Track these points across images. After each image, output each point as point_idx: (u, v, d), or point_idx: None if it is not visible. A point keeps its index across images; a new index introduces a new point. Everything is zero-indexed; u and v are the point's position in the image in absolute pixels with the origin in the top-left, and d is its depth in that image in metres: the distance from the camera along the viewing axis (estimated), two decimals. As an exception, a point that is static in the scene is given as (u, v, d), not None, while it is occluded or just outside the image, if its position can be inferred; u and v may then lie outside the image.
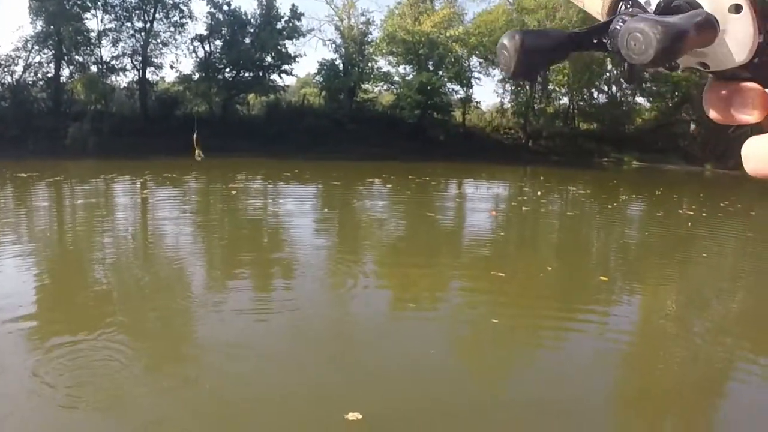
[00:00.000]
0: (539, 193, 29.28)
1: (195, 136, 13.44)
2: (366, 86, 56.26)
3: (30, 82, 44.63)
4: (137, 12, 47.07)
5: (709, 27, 0.75)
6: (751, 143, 0.80)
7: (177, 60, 74.73)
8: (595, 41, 0.84)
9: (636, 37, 0.71)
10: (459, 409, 6.98)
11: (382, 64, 56.28)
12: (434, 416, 6.83)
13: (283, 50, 50.25)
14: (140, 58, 47.15)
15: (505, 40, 0.81)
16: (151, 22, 47.20)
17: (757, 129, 0.82)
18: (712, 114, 0.84)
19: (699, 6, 0.77)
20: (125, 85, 48.72)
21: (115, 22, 46.41)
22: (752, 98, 0.78)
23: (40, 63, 44.51)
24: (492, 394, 7.53)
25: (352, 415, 6.40)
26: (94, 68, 45.90)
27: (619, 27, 0.78)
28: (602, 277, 13.50)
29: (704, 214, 23.85)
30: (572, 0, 0.97)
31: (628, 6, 0.86)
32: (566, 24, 50.93)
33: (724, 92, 0.81)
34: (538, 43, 0.82)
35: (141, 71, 47.60)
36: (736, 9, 0.75)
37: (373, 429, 6.41)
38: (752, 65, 0.78)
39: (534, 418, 6.96)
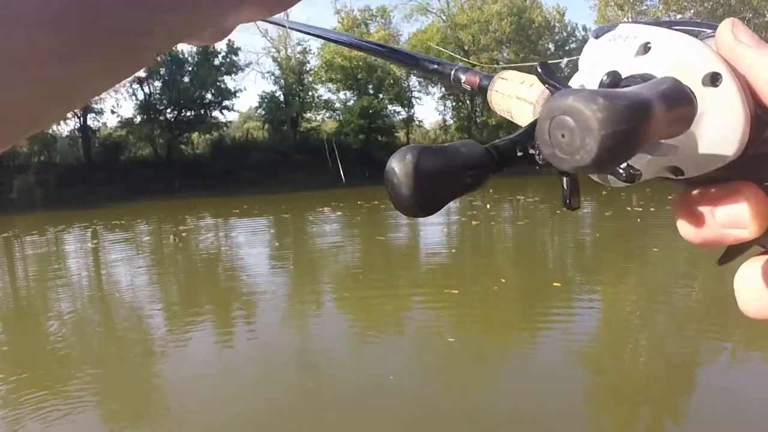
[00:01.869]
0: (488, 205, 29.51)
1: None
2: (308, 115, 56.35)
3: (-30, 138, 43.93)
4: (74, 59, 46.45)
5: (684, 99, 0.48)
6: (746, 273, 0.58)
7: (117, 104, 74.37)
8: (519, 153, 0.65)
9: (563, 122, 0.43)
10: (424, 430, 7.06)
11: (323, 91, 56.50)
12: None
13: (222, 86, 50.14)
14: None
15: (393, 164, 0.60)
16: (89, 68, 46.82)
17: (744, 247, 0.60)
18: (688, 233, 0.63)
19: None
20: (67, 133, 48.14)
21: (52, 70, 45.98)
22: (747, 204, 0.52)
23: (-24, 118, 44.00)
24: (457, 412, 7.59)
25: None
26: (34, 119, 45.52)
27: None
28: (556, 283, 13.63)
29: (652, 209, 24.17)
30: (498, 112, 1.00)
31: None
32: (499, 36, 51.54)
33: (703, 201, 0.58)
34: (440, 165, 0.58)
35: (82, 118, 47.16)
36: (713, 80, 0.50)
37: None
38: (741, 160, 0.52)
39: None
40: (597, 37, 0.63)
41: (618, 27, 0.60)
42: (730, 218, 0.54)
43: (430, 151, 0.58)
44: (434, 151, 0.59)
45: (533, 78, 0.75)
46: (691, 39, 0.52)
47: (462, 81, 0.93)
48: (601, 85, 0.53)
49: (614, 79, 0.52)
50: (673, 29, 0.54)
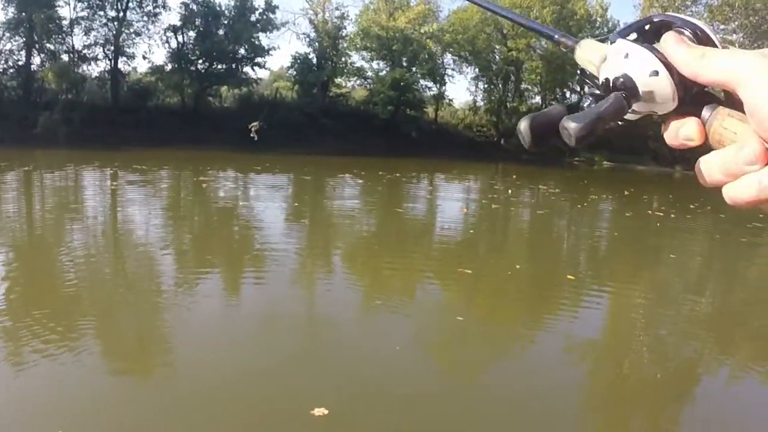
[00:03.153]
0: (510, 191, 29.39)
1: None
2: (339, 81, 56.26)
3: (0, 70, 44.12)
4: (110, 1, 46.46)
5: (617, 106, 0.95)
6: (699, 162, 0.94)
7: (150, 50, 74.52)
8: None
9: (563, 131, 0.93)
10: (423, 405, 7.01)
11: (356, 59, 56.44)
12: (400, 413, 6.84)
13: (256, 43, 50.07)
14: (112, 48, 46.76)
15: (520, 125, 0.99)
16: (124, 11, 46.83)
17: (704, 150, 0.96)
18: (669, 142, 0.99)
19: (630, 79, 0.96)
20: (97, 74, 48.33)
21: (88, 10, 45.98)
22: (691, 128, 0.95)
23: (10, 51, 44.13)
24: (457, 390, 7.54)
25: (318, 411, 6.40)
26: (65, 57, 45.56)
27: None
28: (569, 276, 13.51)
29: (673, 216, 24.01)
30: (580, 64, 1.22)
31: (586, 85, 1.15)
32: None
33: (672, 127, 0.98)
34: (542, 120, 1.00)
35: (113, 61, 47.20)
36: (655, 73, 0.94)
37: (339, 424, 6.41)
38: (682, 106, 0.96)
39: (500, 414, 6.99)
40: (611, 42, 1.04)
41: (617, 42, 1.02)
42: (685, 135, 0.95)
43: (537, 115, 1.00)
44: (539, 114, 1.00)
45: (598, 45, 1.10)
46: (644, 50, 0.96)
47: (560, 43, 1.22)
48: (605, 85, 1.02)
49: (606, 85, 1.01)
50: (642, 45, 0.97)
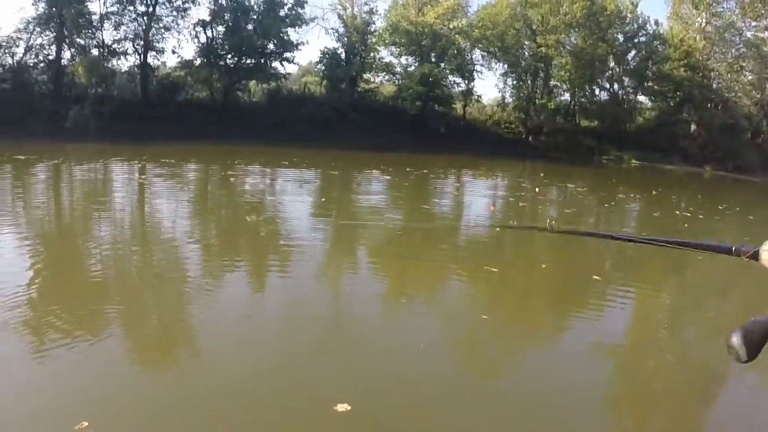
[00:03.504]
0: (537, 189, 29.27)
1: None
2: (368, 76, 56.32)
3: (31, 64, 44.44)
4: (140, -5, 46.71)
5: None
6: None
7: (179, 45, 74.60)
8: None
9: (729, 348, 0.95)
10: (446, 403, 7.01)
11: (385, 54, 56.39)
12: (421, 410, 6.85)
13: (285, 38, 50.08)
14: (142, 42, 46.97)
15: (732, 340, 1.05)
16: (154, 6, 46.96)
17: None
18: None
19: None
20: (126, 69, 48.52)
21: (118, 5, 46.05)
22: None
23: (41, 45, 44.34)
24: (479, 389, 7.55)
25: (341, 407, 6.43)
26: (95, 51, 45.75)
27: None
28: (595, 276, 13.48)
29: (701, 216, 23.86)
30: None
31: None
32: (569, 20, 50.88)
33: None
34: (756, 336, 1.08)
35: (142, 55, 47.40)
36: None
37: (362, 421, 6.43)
38: None
39: (521, 414, 6.98)
40: None
41: None
42: None
43: (748, 327, 1.04)
44: (750, 325, 1.04)
45: None
46: None
47: (740, 252, 1.34)
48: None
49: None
50: None
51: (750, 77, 53.84)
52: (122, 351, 7.82)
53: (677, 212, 24.60)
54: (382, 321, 9.85)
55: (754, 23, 51.94)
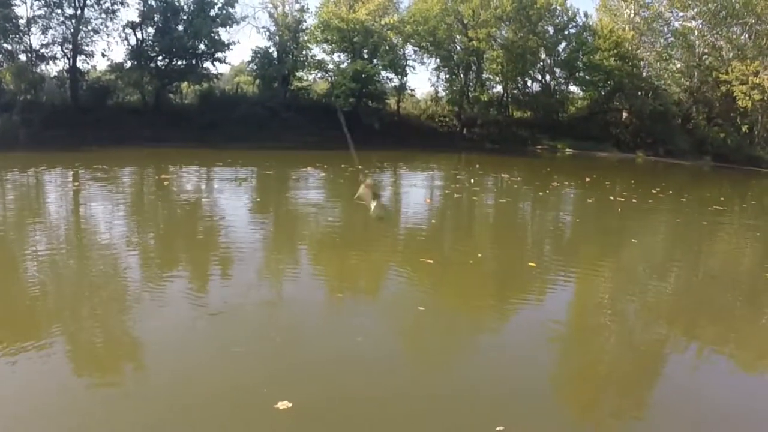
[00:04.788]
0: (473, 180, 29.46)
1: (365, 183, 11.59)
2: (300, 74, 56.00)
3: (-44, 72, 43.44)
4: (68, -2, 45.89)
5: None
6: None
7: (108, 48, 73.81)
8: None
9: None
10: (387, 396, 7.04)
11: (317, 51, 56.08)
12: (363, 404, 6.89)
13: (216, 38, 49.43)
14: (71, 46, 46.02)
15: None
16: (82, 9, 45.86)
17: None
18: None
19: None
20: (55, 73, 47.41)
21: (45, 8, 44.90)
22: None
23: (-34, 52, 43.44)
24: (419, 382, 7.59)
25: (282, 404, 6.45)
26: (23, 57, 44.71)
27: None
28: (531, 263, 13.58)
29: (634, 200, 24.21)
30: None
31: None
32: (500, 13, 51.28)
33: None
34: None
35: (71, 59, 46.34)
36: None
37: (303, 417, 6.43)
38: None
39: (462, 405, 7.01)
40: None
41: None
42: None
43: None
44: None
45: None
46: None
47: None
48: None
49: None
50: None
51: (678, 65, 54.77)
52: (63, 360, 7.74)
53: (611, 197, 25.00)
54: (320, 318, 9.87)
55: (681, 13, 52.80)
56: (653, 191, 27.55)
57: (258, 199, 22.74)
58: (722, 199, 28.05)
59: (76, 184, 24.04)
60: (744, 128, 48.47)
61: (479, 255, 14.46)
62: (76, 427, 6.22)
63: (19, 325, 8.97)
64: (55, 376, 7.26)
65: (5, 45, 43.87)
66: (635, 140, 52.43)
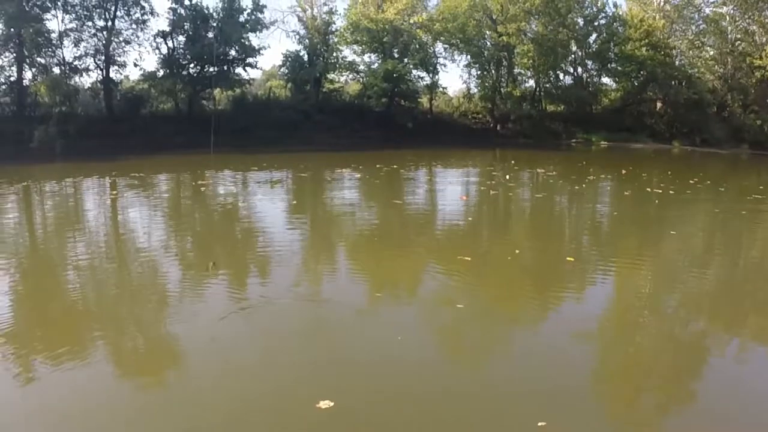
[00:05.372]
0: (508, 176, 29.36)
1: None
2: (332, 76, 56.24)
3: (-8, 87, 43.97)
4: (98, 11, 46.13)
5: None
6: None
7: (140, 57, 73.81)
8: None
9: None
10: (428, 395, 7.04)
11: (347, 53, 56.40)
12: (404, 402, 6.88)
13: (246, 43, 49.73)
14: (103, 58, 46.53)
15: None
16: (113, 21, 46.48)
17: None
18: None
19: None
20: (89, 85, 47.85)
21: (76, 21, 45.55)
22: None
23: (1, 67, 43.75)
24: (460, 379, 7.56)
25: (324, 403, 6.49)
26: (56, 69, 45.12)
27: None
28: (569, 258, 13.52)
29: (672, 192, 23.99)
30: None
31: None
32: (528, 7, 51.08)
33: None
34: None
35: (104, 70, 46.91)
36: None
37: (345, 416, 6.45)
38: None
39: (503, 401, 7.02)
40: None
41: None
42: None
43: None
44: None
45: None
46: None
47: None
48: None
49: None
50: None
51: (712, 52, 54.31)
52: (106, 363, 7.86)
53: (648, 189, 24.75)
54: (359, 317, 9.86)
55: (712, 0, 52.34)
56: (690, 181, 27.31)
57: (294, 201, 22.81)
58: (761, 187, 27.66)
59: (114, 192, 24.24)
60: (781, 114, 47.90)
61: (517, 251, 14.40)
62: (120, 429, 6.30)
63: (63, 328, 9.14)
64: (99, 378, 7.39)
65: (39, 59, 44.36)
66: (670, 130, 52.06)
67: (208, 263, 12.41)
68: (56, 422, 6.46)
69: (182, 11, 47.95)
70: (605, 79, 59.39)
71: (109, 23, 46.36)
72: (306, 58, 53.87)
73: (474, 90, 59.42)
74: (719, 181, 29.65)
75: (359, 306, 10.39)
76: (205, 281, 11.58)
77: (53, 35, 44.57)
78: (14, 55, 43.41)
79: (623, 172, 31.57)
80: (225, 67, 49.88)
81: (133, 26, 47.69)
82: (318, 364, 7.78)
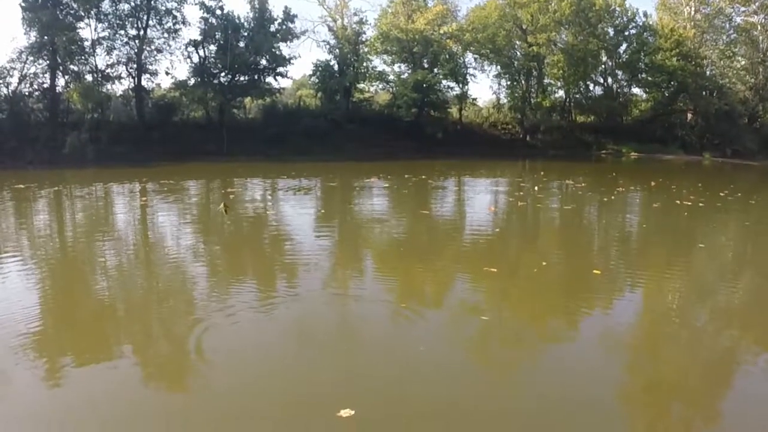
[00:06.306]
0: (537, 187, 29.32)
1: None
2: (362, 86, 56.44)
3: (26, 93, 44.46)
4: (130, 20, 46.88)
5: None
6: None
7: (172, 66, 74.62)
8: None
9: None
10: (449, 408, 7.05)
11: (377, 63, 56.59)
12: (425, 414, 6.90)
13: (277, 53, 50.03)
14: (135, 66, 47.07)
15: None
16: (145, 29, 47.08)
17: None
18: None
19: None
20: (121, 92, 48.67)
21: (109, 30, 46.24)
22: None
23: (35, 74, 44.33)
24: (482, 393, 7.56)
25: (345, 412, 6.54)
26: (89, 77, 45.63)
27: None
28: (596, 271, 13.50)
29: (702, 204, 23.86)
30: None
31: None
32: (559, 17, 50.99)
33: None
34: None
35: (136, 78, 47.48)
36: None
37: (365, 425, 6.50)
38: None
39: (528, 417, 6.99)
40: None
41: None
42: None
43: None
44: None
45: None
46: None
47: None
48: None
49: None
50: None
51: (743, 62, 53.93)
52: (135, 372, 7.93)
53: (678, 201, 24.61)
54: (383, 326, 9.89)
55: (743, 8, 52.06)
56: (721, 194, 27.13)
57: (322, 210, 22.91)
58: (792, 199, 27.52)
59: (144, 198, 24.50)
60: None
61: (544, 263, 14.37)
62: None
63: (92, 333, 9.27)
64: (126, 383, 7.47)
65: (72, 66, 45.01)
66: (701, 141, 51.73)
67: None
68: (78, 427, 6.58)
69: (213, 21, 48.34)
70: (635, 90, 59.35)
71: (141, 32, 46.98)
72: (336, 67, 54.09)
73: (504, 100, 59.56)
74: (750, 194, 29.46)
75: (384, 316, 10.42)
76: (229, 288, 11.70)
77: (86, 43, 45.34)
78: (48, 62, 44.05)
79: (653, 183, 31.38)
80: (256, 76, 50.26)
81: (165, 35, 48.35)
82: (341, 373, 7.83)
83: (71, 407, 6.94)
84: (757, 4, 50.18)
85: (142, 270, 13.67)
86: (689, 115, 55.56)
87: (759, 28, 51.22)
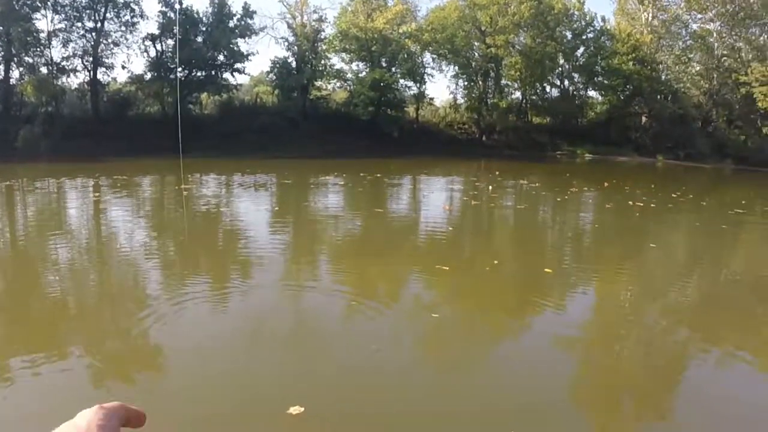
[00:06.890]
0: (491, 187, 29.41)
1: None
2: (319, 84, 56.20)
3: (-22, 85, 43.79)
4: (88, 12, 46.21)
5: None
6: None
7: (128, 60, 74.05)
8: None
9: None
10: (400, 404, 7.05)
11: (336, 61, 56.36)
12: (375, 411, 6.89)
13: (235, 49, 49.78)
14: (91, 59, 46.43)
15: None
16: (102, 22, 46.48)
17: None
18: None
19: None
20: (76, 86, 47.96)
21: (66, 22, 45.57)
22: None
23: (-12, 65, 43.81)
24: (434, 390, 7.56)
25: (294, 409, 6.48)
26: (44, 69, 45.04)
27: None
28: (547, 269, 13.58)
29: (653, 205, 24.11)
30: None
31: None
32: (518, 20, 51.24)
33: None
34: None
35: (92, 72, 46.85)
36: None
37: (314, 422, 6.46)
38: None
39: (478, 414, 7.00)
40: None
41: None
42: None
43: None
44: None
45: None
46: None
47: None
48: None
49: None
50: None
51: (698, 68, 54.51)
52: (82, 370, 7.81)
53: (630, 202, 24.85)
54: (335, 325, 9.86)
55: (699, 16, 52.66)
56: (673, 195, 27.42)
57: (276, 208, 22.84)
58: (743, 202, 27.79)
59: (97, 194, 24.22)
60: (765, 130, 47.99)
61: (496, 261, 14.45)
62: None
63: (41, 333, 9.10)
64: (74, 385, 7.36)
65: (27, 58, 44.32)
66: (655, 144, 52.22)
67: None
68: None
69: (172, 15, 47.90)
70: (592, 92, 59.76)
71: (98, 24, 46.38)
72: (294, 64, 53.88)
73: (461, 100, 59.64)
74: (702, 195, 29.89)
75: (335, 314, 10.39)
76: (182, 286, 11.60)
77: (42, 35, 44.61)
78: (2, 53, 43.29)
79: (606, 184, 31.66)
80: (213, 72, 49.89)
81: (122, 28, 47.79)
82: (291, 371, 7.79)
83: (25, 412, 6.81)
84: (713, 11, 50.78)
85: (92, 266, 13.50)
86: (644, 118, 56.12)
87: (714, 35, 51.86)
